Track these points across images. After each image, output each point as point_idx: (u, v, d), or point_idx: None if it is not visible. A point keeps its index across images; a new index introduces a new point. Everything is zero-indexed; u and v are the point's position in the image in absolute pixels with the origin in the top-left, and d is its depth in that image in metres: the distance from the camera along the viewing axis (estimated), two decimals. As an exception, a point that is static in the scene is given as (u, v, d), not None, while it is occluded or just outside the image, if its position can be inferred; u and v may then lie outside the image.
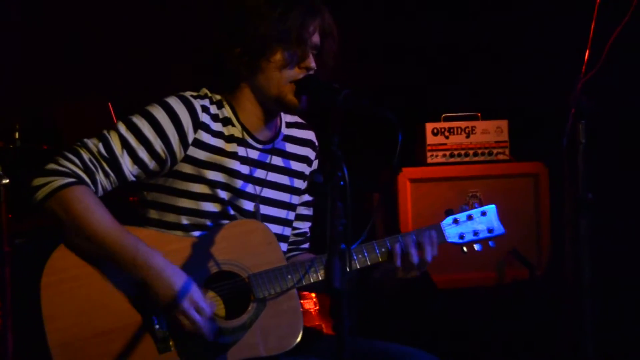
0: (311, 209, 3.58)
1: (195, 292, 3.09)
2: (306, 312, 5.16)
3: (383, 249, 3.30)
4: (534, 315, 5.24)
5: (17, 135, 4.82)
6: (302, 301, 5.17)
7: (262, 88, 3.29)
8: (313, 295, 5.23)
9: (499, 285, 5.36)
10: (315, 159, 3.56)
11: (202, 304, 3.08)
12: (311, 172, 3.48)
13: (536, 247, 5.47)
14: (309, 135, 3.55)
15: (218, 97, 3.33)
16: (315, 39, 3.29)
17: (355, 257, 3.27)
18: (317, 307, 5.22)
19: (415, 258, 3.26)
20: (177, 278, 3.07)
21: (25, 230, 4.78)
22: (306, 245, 3.61)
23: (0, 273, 4.63)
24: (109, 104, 4.91)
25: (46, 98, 5.60)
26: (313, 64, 3.28)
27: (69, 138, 4.96)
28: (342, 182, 2.62)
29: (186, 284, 3.07)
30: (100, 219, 3.09)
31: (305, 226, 3.59)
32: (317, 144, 3.56)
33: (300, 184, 3.49)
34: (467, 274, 5.32)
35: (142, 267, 3.07)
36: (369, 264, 3.30)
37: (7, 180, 4.59)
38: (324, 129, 3.29)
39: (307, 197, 3.53)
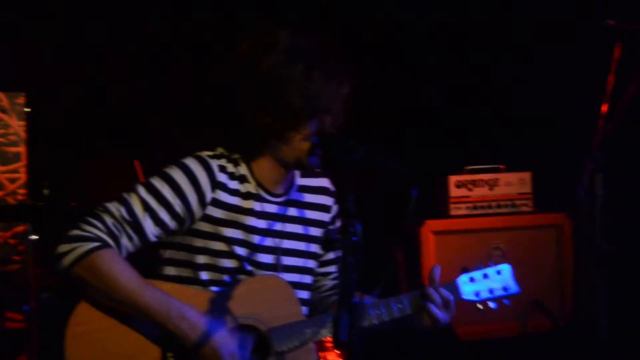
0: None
1: (235, 346, 3.16)
2: (330, 365, 5.19)
3: (399, 305, 3.37)
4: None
5: (46, 192, 4.91)
6: (325, 353, 5.20)
7: (283, 153, 3.31)
8: (338, 347, 5.26)
9: (521, 336, 5.38)
10: (335, 204, 3.55)
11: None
12: (327, 230, 3.53)
13: (559, 298, 5.49)
14: (324, 182, 3.56)
15: (234, 155, 3.37)
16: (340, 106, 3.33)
17: (373, 313, 3.34)
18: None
19: (435, 314, 3.33)
20: (214, 330, 3.14)
21: (52, 285, 4.87)
22: None
23: (26, 327, 4.74)
24: (136, 162, 5.00)
25: (74, 156, 5.73)
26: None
27: (96, 195, 5.06)
28: (354, 238, 2.69)
29: (225, 337, 3.16)
30: (130, 280, 3.14)
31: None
32: (332, 189, 3.56)
33: (317, 232, 3.50)
34: (489, 325, 5.34)
35: (177, 320, 3.12)
36: (385, 319, 3.36)
37: (36, 237, 4.72)
38: (339, 184, 3.36)
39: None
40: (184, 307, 3.15)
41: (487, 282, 3.50)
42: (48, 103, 5.95)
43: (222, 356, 3.15)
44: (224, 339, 3.16)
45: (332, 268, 3.60)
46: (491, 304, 3.50)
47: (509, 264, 3.55)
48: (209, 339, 3.13)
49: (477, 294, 3.48)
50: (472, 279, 3.49)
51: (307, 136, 3.26)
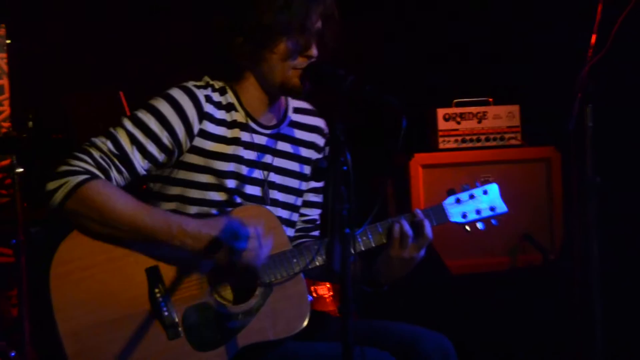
0: (320, 195, 3.57)
1: (238, 226, 3.11)
2: (320, 298, 5.19)
3: (386, 229, 3.32)
4: (548, 300, 5.25)
5: (30, 124, 4.87)
6: (316, 287, 5.21)
7: (265, 76, 3.30)
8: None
9: (512, 270, 5.38)
10: (325, 145, 3.55)
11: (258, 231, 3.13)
12: (316, 159, 3.49)
13: (549, 232, 5.47)
14: (318, 122, 3.55)
15: (220, 83, 3.34)
16: (318, 25, 3.29)
17: (360, 240, 3.28)
18: (331, 293, 5.25)
19: (410, 232, 3.26)
20: (214, 229, 3.11)
21: (41, 218, 4.83)
22: (316, 233, 3.60)
23: (16, 262, 4.71)
24: (121, 93, 4.95)
25: (59, 88, 5.66)
26: (315, 52, 3.28)
27: (80, 127, 5.02)
28: (344, 167, 2.66)
29: (227, 227, 3.11)
30: (125, 203, 3.09)
31: (314, 213, 3.58)
32: (326, 131, 3.55)
33: (308, 170, 3.49)
34: (480, 259, 5.33)
35: (180, 236, 3.09)
36: (373, 245, 3.31)
37: (22, 169, 4.67)
38: (328, 114, 3.33)
39: (315, 184, 3.53)
40: (184, 220, 3.12)
41: (474, 203, 3.42)
42: (29, 34, 5.85)
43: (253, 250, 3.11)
44: (237, 234, 3.10)
45: (309, 211, 3.57)
46: (479, 225, 3.43)
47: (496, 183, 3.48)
48: (222, 244, 3.09)
49: (464, 216, 3.41)
50: (458, 200, 3.41)
51: (285, 56, 3.25)
